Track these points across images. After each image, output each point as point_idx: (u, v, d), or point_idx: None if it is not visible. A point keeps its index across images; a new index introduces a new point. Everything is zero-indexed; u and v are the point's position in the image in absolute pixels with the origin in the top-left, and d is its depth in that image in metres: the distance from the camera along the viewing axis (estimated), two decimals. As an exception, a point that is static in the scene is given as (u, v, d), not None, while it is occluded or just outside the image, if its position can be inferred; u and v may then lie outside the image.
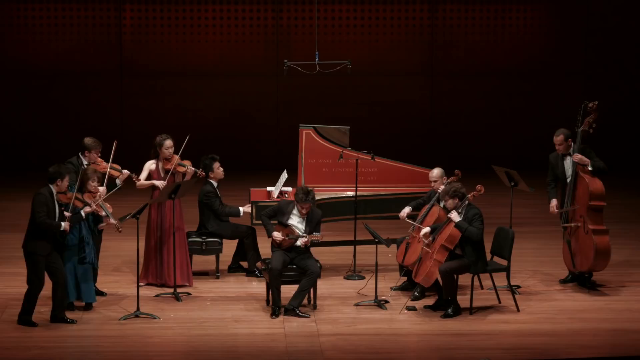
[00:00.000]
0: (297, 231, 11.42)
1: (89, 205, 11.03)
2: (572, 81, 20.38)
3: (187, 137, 12.04)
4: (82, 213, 10.96)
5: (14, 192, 18.01)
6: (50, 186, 10.71)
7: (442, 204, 11.71)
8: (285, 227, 11.46)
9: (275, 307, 11.14)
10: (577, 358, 9.96)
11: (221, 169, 12.55)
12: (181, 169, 12.16)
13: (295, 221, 11.49)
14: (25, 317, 10.80)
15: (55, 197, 10.72)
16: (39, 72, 20.03)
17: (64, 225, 10.71)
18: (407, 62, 20.38)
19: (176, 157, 12.17)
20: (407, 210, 12.17)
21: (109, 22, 20.03)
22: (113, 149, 11.79)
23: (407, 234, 11.92)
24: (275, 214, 11.57)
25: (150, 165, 12.23)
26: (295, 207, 11.51)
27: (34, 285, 10.74)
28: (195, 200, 12.65)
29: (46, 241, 10.66)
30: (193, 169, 12.18)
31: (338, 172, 12.95)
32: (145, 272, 12.18)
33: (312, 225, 11.46)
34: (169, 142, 12.15)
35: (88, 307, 11.29)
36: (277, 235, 11.39)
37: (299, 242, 11.41)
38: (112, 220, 11.23)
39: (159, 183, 12.10)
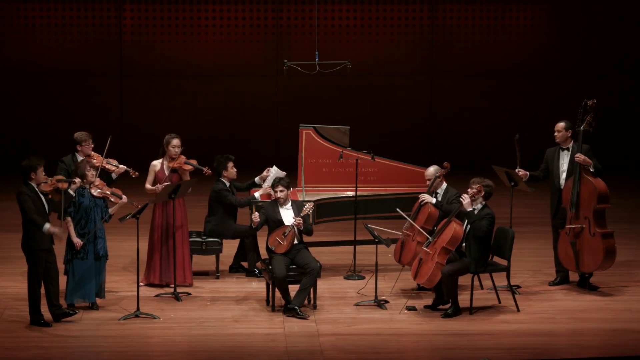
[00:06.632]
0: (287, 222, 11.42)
1: (73, 181, 10.89)
2: (572, 81, 20.39)
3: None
4: (71, 191, 10.86)
5: (13, 191, 17.97)
6: (30, 183, 10.59)
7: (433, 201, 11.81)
8: (279, 228, 11.40)
9: (288, 303, 11.18)
10: (577, 358, 9.96)
11: (234, 170, 12.55)
12: (187, 167, 12.16)
13: (287, 214, 11.50)
14: (36, 317, 10.69)
15: (37, 191, 10.59)
16: (39, 71, 20.04)
17: (47, 227, 10.46)
18: (407, 62, 20.39)
19: (183, 157, 12.19)
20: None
21: (109, 22, 20.04)
22: (107, 144, 11.74)
23: (402, 233, 11.93)
24: (267, 220, 11.48)
25: (155, 166, 12.23)
26: (276, 204, 11.50)
27: (35, 282, 10.59)
28: (200, 200, 12.63)
29: (44, 236, 10.54)
30: (199, 167, 12.20)
31: (338, 172, 12.95)
32: (148, 272, 12.17)
33: (296, 203, 11.58)
34: (176, 142, 12.17)
35: (94, 305, 11.27)
36: (281, 245, 11.37)
37: (295, 222, 11.33)
38: (123, 200, 11.18)
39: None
